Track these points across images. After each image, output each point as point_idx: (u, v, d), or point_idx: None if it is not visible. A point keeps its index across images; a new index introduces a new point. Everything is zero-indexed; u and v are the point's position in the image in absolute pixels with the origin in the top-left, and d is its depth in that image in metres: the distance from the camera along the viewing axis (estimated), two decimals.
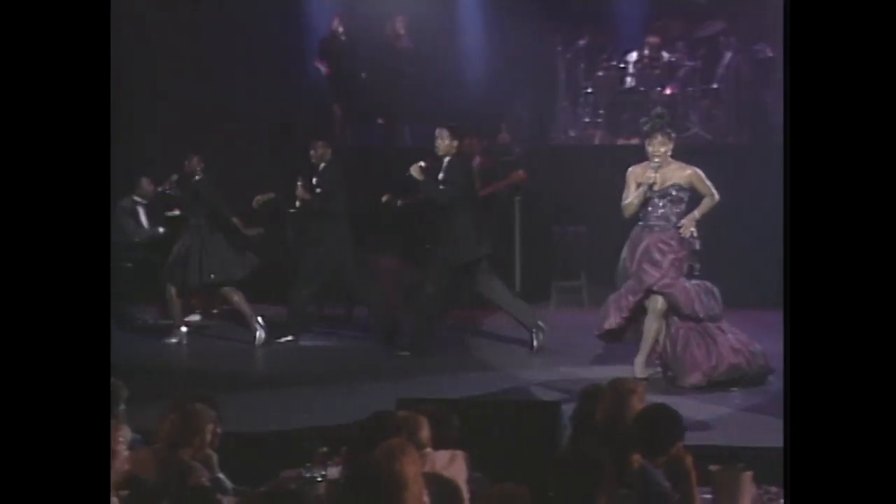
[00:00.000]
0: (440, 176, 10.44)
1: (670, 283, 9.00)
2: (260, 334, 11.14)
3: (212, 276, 11.28)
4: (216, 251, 11.34)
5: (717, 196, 9.02)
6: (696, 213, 9.03)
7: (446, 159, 10.44)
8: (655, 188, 8.99)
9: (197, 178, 11.43)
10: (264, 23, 13.84)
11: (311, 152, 11.21)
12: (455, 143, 10.48)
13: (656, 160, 8.96)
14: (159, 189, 12.12)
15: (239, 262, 11.48)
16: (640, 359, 9.13)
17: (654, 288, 9.00)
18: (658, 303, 9.03)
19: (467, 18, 14.57)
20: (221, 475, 5.88)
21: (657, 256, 9.02)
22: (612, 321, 9.22)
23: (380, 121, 14.41)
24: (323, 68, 14.30)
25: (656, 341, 9.13)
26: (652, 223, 9.06)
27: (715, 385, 8.95)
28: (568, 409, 6.74)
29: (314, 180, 11.19)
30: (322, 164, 11.19)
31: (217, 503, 4.60)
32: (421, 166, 10.42)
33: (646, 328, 9.13)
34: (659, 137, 9.04)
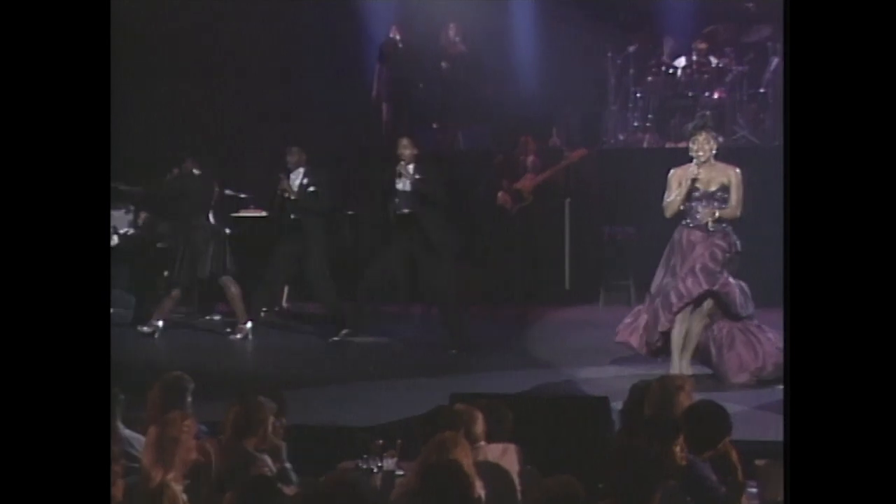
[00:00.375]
0: (416, 177, 10.71)
1: (726, 283, 8.93)
2: (241, 333, 11.25)
3: (208, 271, 11.37)
4: (214, 249, 11.43)
5: (739, 213, 8.92)
6: (716, 213, 8.90)
7: (411, 165, 10.71)
8: (700, 189, 8.90)
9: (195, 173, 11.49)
10: (324, 29, 13.90)
11: (288, 157, 11.34)
12: (416, 151, 10.79)
13: (700, 155, 8.88)
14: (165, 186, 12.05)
15: (232, 259, 11.56)
16: (685, 358, 8.99)
17: (715, 289, 8.90)
18: (709, 304, 8.96)
19: (519, 25, 14.53)
20: (288, 465, 5.92)
21: (711, 263, 8.90)
22: (664, 324, 9.02)
23: (434, 125, 14.42)
24: (381, 74, 14.33)
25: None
26: (699, 222, 8.95)
27: (761, 383, 8.90)
28: (616, 405, 6.74)
29: (303, 181, 11.32)
30: (300, 168, 11.29)
31: (278, 492, 4.63)
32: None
33: (692, 328, 9.00)
34: (703, 135, 8.99)
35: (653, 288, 9.24)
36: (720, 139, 9.19)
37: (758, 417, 8.02)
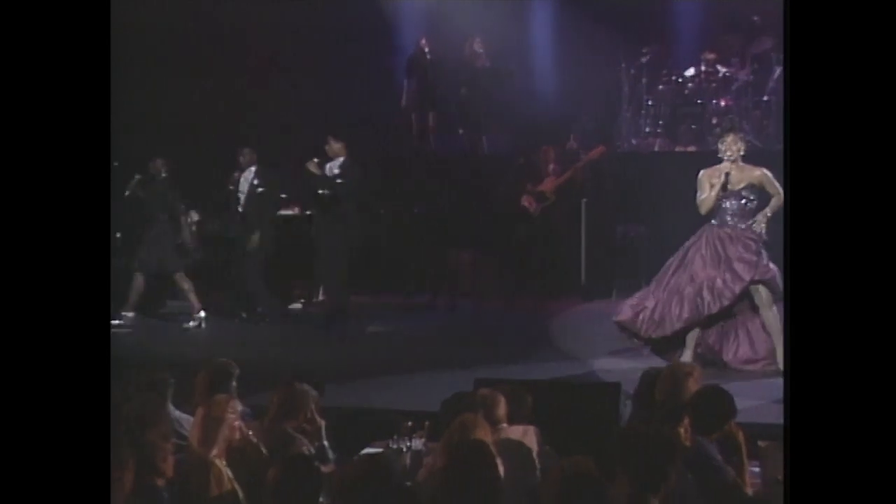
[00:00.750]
0: (336, 172, 11.06)
1: (768, 269, 8.80)
2: (194, 323, 11.44)
3: (163, 264, 11.57)
4: (169, 242, 11.63)
5: (782, 194, 8.61)
6: (768, 212, 8.78)
7: (339, 160, 11.07)
8: (729, 187, 8.82)
9: (162, 177, 11.62)
10: (357, 39, 13.94)
11: (240, 158, 11.52)
12: (342, 146, 11.13)
13: (728, 155, 8.82)
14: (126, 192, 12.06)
15: (184, 252, 11.75)
16: (779, 350, 8.56)
17: (756, 277, 8.79)
18: (763, 293, 8.81)
19: (538, 38, 14.63)
20: (326, 443, 5.93)
21: (747, 254, 8.83)
22: (684, 320, 8.94)
23: (461, 131, 14.46)
24: (409, 83, 14.37)
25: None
26: (726, 221, 8.91)
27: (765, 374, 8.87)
28: (629, 390, 6.74)
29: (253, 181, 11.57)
30: (252, 167, 11.48)
31: (316, 470, 4.65)
32: (316, 162, 11.12)
33: (769, 322, 8.77)
34: (731, 136, 8.97)
35: (663, 277, 9.18)
36: (748, 139, 9.13)
37: (760, 403, 7.97)
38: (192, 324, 11.44)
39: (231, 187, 11.77)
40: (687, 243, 9.15)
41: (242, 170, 11.68)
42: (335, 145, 11.26)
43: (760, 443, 5.46)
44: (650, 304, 9.17)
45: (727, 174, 8.80)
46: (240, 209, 11.71)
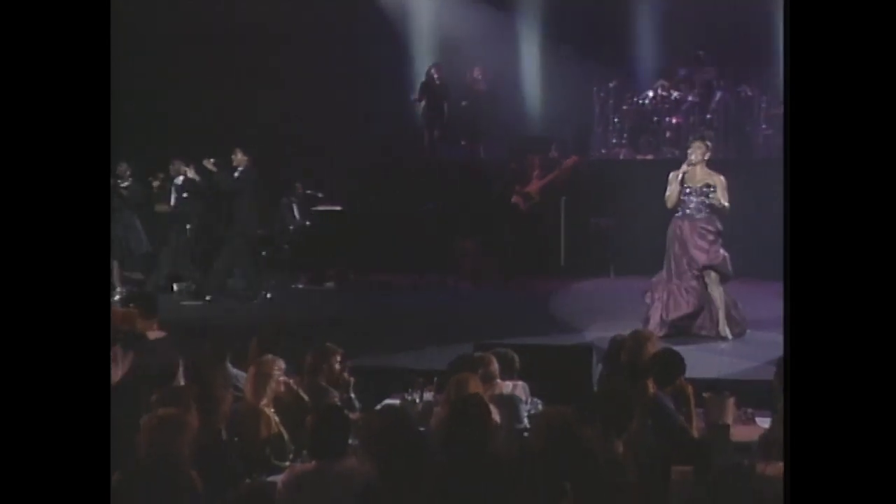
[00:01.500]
0: (235, 174, 11.20)
1: (716, 257, 8.78)
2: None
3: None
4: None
5: (727, 206, 8.70)
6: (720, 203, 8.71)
7: (240, 168, 11.20)
8: (690, 186, 8.71)
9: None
10: (377, 65, 13.91)
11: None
12: (245, 157, 11.20)
13: (691, 158, 8.72)
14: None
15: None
16: (722, 319, 8.76)
17: (707, 263, 8.74)
18: (713, 275, 8.78)
19: (526, 68, 14.64)
20: (353, 395, 5.92)
21: (701, 241, 8.77)
22: (685, 308, 8.81)
23: (462, 142, 14.44)
24: (421, 102, 14.37)
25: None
26: (688, 213, 8.79)
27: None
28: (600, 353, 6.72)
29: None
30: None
31: (345, 417, 4.64)
32: (212, 161, 11.32)
33: (715, 297, 8.80)
34: (697, 142, 8.90)
35: (665, 272, 8.98)
36: (710, 145, 9.00)
37: (706, 361, 7.92)
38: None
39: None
40: (667, 244, 8.98)
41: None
42: (240, 156, 11.28)
43: (705, 394, 5.44)
44: (665, 297, 8.95)
45: (684, 172, 8.70)
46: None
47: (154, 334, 6.07)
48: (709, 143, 9.02)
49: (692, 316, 8.87)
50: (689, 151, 8.86)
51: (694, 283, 8.84)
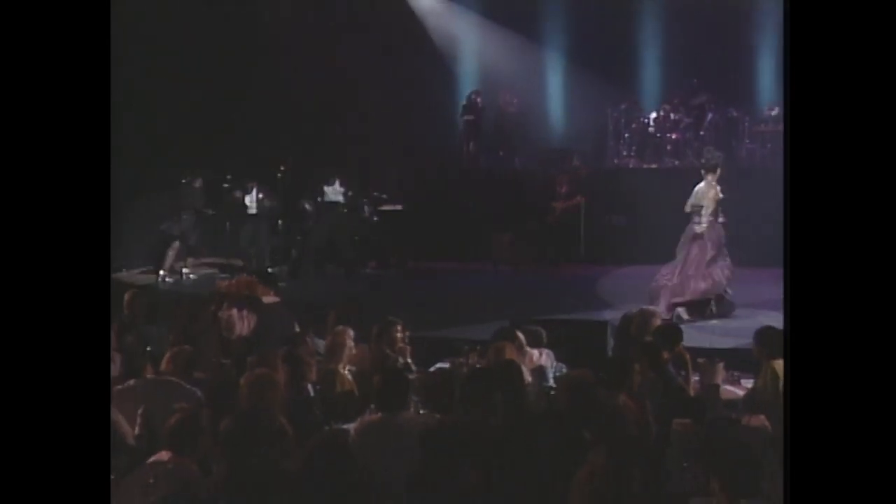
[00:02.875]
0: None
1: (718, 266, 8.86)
2: (160, 277, 11.16)
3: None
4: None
5: (708, 220, 8.75)
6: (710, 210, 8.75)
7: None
8: (698, 198, 8.76)
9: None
10: (431, 90, 13.95)
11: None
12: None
13: (709, 179, 8.76)
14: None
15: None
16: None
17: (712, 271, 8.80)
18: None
19: (552, 91, 14.59)
20: (410, 360, 5.95)
21: (705, 243, 8.76)
22: (690, 296, 8.76)
23: (500, 153, 14.45)
24: (466, 120, 14.38)
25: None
26: (694, 219, 8.83)
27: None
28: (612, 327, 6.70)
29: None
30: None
31: (405, 379, 4.69)
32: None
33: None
34: (718, 170, 8.87)
35: (677, 263, 8.93)
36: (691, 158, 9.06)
37: (701, 335, 7.86)
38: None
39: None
40: (680, 241, 8.96)
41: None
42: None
43: (699, 360, 5.42)
44: (673, 281, 8.90)
45: (696, 190, 8.77)
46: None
47: (269, 299, 6.21)
48: (720, 169, 8.92)
49: (697, 303, 8.81)
50: (709, 175, 8.77)
51: (702, 273, 8.78)
